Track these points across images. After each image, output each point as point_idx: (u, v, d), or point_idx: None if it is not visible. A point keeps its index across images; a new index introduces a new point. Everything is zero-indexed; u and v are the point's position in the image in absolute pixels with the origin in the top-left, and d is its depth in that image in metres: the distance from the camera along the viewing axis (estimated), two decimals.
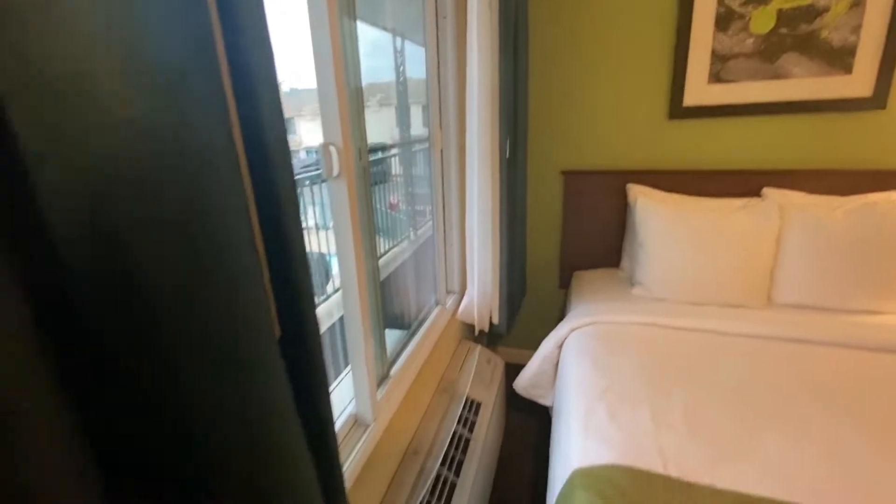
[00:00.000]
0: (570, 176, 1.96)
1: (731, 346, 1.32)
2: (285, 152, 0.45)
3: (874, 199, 1.52)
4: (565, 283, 2.07)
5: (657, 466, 0.86)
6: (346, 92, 0.86)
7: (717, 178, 1.76)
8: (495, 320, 1.65)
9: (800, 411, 1.02)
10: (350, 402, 1.00)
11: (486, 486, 1.34)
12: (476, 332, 1.70)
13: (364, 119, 1.02)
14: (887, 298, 1.45)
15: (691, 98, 1.73)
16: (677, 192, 1.76)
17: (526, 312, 2.17)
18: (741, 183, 1.72)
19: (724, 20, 1.63)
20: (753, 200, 1.63)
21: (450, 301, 1.66)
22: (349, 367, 1.00)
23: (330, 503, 0.55)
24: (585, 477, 0.85)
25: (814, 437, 0.94)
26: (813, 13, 1.56)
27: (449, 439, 1.21)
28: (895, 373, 1.16)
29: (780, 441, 0.93)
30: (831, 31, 1.56)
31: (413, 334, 1.43)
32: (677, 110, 1.75)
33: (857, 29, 1.54)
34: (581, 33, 1.83)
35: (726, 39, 1.63)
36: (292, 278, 0.48)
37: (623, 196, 1.84)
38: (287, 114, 0.47)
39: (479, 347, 1.67)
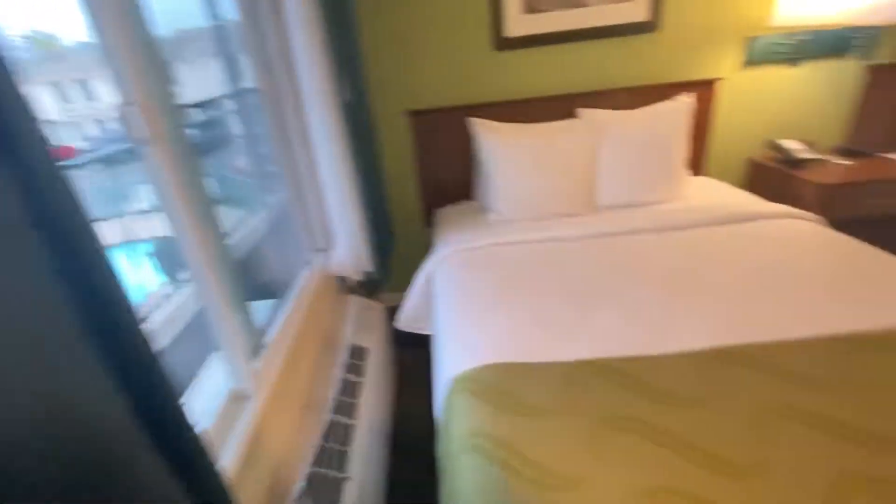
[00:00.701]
0: (415, 116, 1.99)
1: (569, 248, 1.55)
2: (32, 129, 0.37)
3: (659, 108, 1.86)
4: (429, 221, 2.17)
5: (514, 357, 1.01)
6: (136, 41, 0.74)
7: (542, 105, 1.95)
8: (368, 268, 1.68)
9: (621, 288, 1.28)
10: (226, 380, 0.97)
11: (384, 419, 1.44)
12: (352, 284, 1.72)
13: (170, 73, 0.90)
14: (672, 189, 1.83)
15: (512, 29, 1.85)
16: (511, 120, 1.92)
17: (399, 256, 2.24)
18: (562, 106, 1.95)
19: None
20: (571, 121, 1.86)
21: (320, 259, 1.64)
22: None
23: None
24: (460, 382, 0.97)
25: (630, 305, 1.19)
26: None
27: (340, 388, 1.25)
28: (683, 244, 1.51)
29: (607, 315, 1.16)
30: None
31: (285, 299, 1.40)
32: (501, 41, 1.87)
33: None
34: None
35: None
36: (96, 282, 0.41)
37: (467, 130, 1.95)
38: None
39: (356, 298, 1.71)
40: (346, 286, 1.80)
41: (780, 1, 1.79)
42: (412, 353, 1.93)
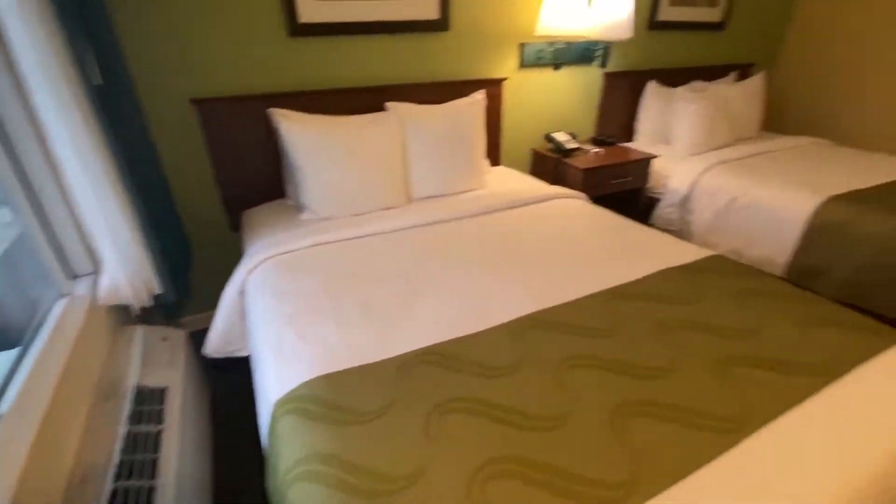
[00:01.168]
0: (203, 105, 1.71)
1: (390, 241, 1.55)
2: None
3: (459, 104, 2.00)
4: (236, 225, 1.92)
5: (347, 363, 0.96)
6: None
7: (350, 96, 1.90)
8: (157, 289, 1.39)
9: (442, 274, 1.33)
10: None
11: (201, 469, 1.22)
12: (138, 312, 1.40)
13: None
14: (476, 178, 2.00)
15: (306, 15, 1.74)
16: (319, 112, 1.82)
17: (202, 269, 1.92)
18: (370, 99, 1.92)
19: None
20: (381, 114, 1.86)
21: (81, 287, 1.28)
22: None
23: None
24: (283, 405, 0.87)
25: (452, 289, 1.25)
26: None
27: (126, 444, 1.00)
28: (490, 227, 1.66)
29: (432, 302, 1.20)
30: None
31: (28, 347, 1.05)
32: (296, 27, 1.74)
33: None
34: None
35: None
36: None
37: (269, 122, 1.77)
38: None
39: (144, 328, 1.39)
40: (130, 315, 1.45)
41: (542, 15, 2.10)
42: (233, 382, 1.69)
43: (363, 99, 1.92)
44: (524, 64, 2.29)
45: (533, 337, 1.05)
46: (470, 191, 1.99)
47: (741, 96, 2.76)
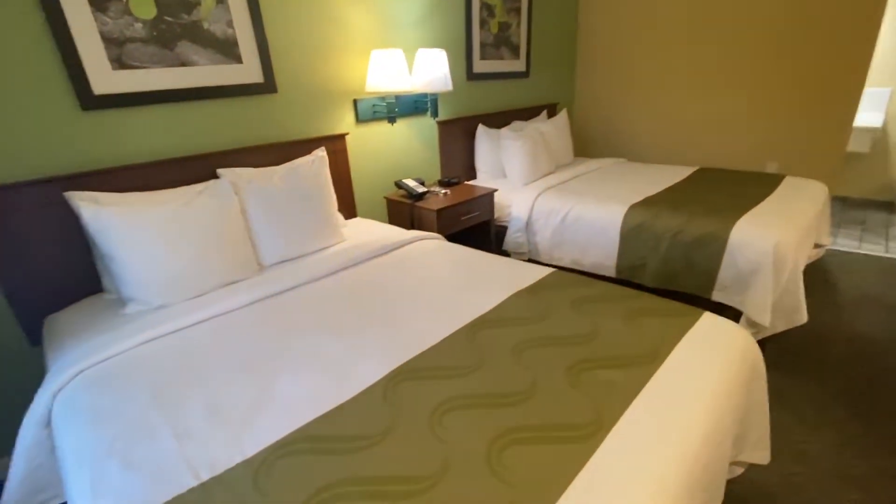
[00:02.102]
0: None
1: (238, 320, 1.40)
2: None
3: (300, 162, 1.95)
4: (36, 337, 1.55)
5: (189, 481, 0.81)
6: None
7: (172, 167, 1.72)
8: None
9: (301, 344, 1.24)
10: None
11: None
12: None
13: None
14: (331, 234, 1.95)
15: (101, 86, 1.54)
16: (136, 188, 1.60)
17: None
18: (199, 168, 1.77)
19: (102, 1, 1.48)
20: (212, 182, 1.71)
21: None
22: None
23: None
24: None
25: (314, 359, 1.16)
26: (189, 5, 1.68)
27: None
28: (352, 282, 1.61)
29: (293, 380, 1.10)
30: (211, 23, 1.75)
31: None
32: (90, 100, 1.53)
33: (231, 23, 1.80)
34: None
35: (111, 22, 1.52)
36: None
37: (66, 207, 1.49)
38: None
39: None
40: None
41: (369, 74, 2.21)
42: None
43: (191, 169, 1.75)
44: (361, 119, 2.36)
45: (403, 391, 1.02)
46: (327, 247, 1.94)
47: (553, 130, 3.23)
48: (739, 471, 1.34)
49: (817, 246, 2.58)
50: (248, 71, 1.88)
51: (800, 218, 2.11)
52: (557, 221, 2.55)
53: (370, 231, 2.15)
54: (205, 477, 0.82)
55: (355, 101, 2.32)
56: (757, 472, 1.49)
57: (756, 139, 3.36)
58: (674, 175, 2.90)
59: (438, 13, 2.64)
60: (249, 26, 1.85)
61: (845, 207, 4.04)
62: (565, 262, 2.58)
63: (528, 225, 2.67)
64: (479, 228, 2.71)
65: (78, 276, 1.59)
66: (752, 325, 1.97)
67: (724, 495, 1.30)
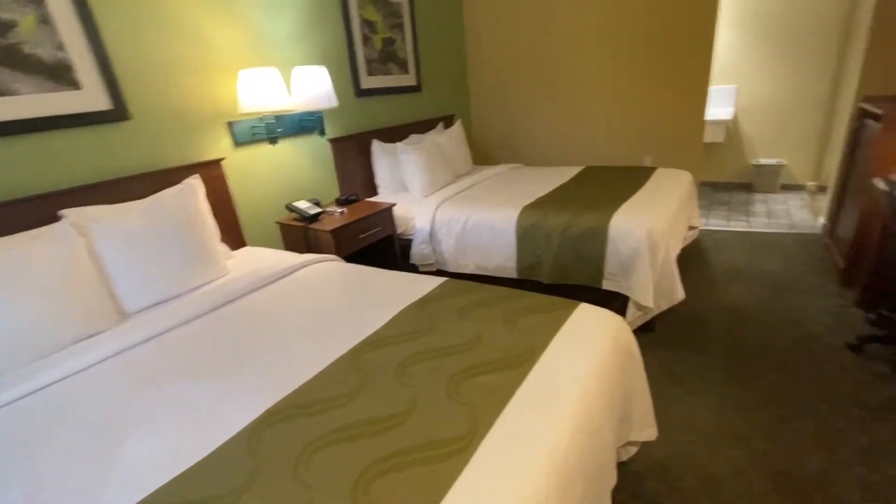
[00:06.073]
0: None
1: (90, 378, 1.22)
2: None
3: (163, 195, 1.76)
4: None
5: None
6: None
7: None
8: None
9: (164, 395, 1.09)
10: None
11: None
12: None
13: None
14: (211, 268, 1.79)
15: None
16: None
17: None
18: (33, 211, 1.53)
19: None
20: (51, 227, 1.49)
21: None
22: None
23: None
24: None
25: (174, 413, 1.03)
26: (3, 27, 1.47)
27: None
28: (231, 318, 1.48)
29: (142, 440, 0.96)
30: (34, 46, 1.53)
31: None
32: None
33: (62, 45, 1.60)
34: None
35: None
36: None
37: None
38: None
39: None
40: None
41: (240, 95, 2.08)
42: None
43: (24, 213, 1.51)
44: (239, 142, 2.22)
45: (272, 436, 0.93)
46: (207, 283, 1.77)
47: (450, 141, 3.29)
48: (634, 450, 1.40)
49: (692, 228, 2.85)
50: (89, 97, 1.68)
51: (668, 204, 2.32)
52: (459, 229, 2.57)
53: (261, 259, 2.00)
54: None
55: (230, 124, 2.17)
56: (653, 447, 1.57)
57: (633, 136, 3.68)
58: (563, 175, 3.07)
59: (315, 30, 2.58)
60: (86, 47, 1.65)
61: (714, 191, 4.56)
62: (471, 269, 2.61)
63: (432, 236, 2.66)
64: (384, 244, 2.66)
65: None
66: (640, 308, 2.11)
67: (623, 474, 1.35)
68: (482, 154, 4.34)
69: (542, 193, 2.64)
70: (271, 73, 2.10)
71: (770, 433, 1.62)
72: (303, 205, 2.36)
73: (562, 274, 2.29)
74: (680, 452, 1.58)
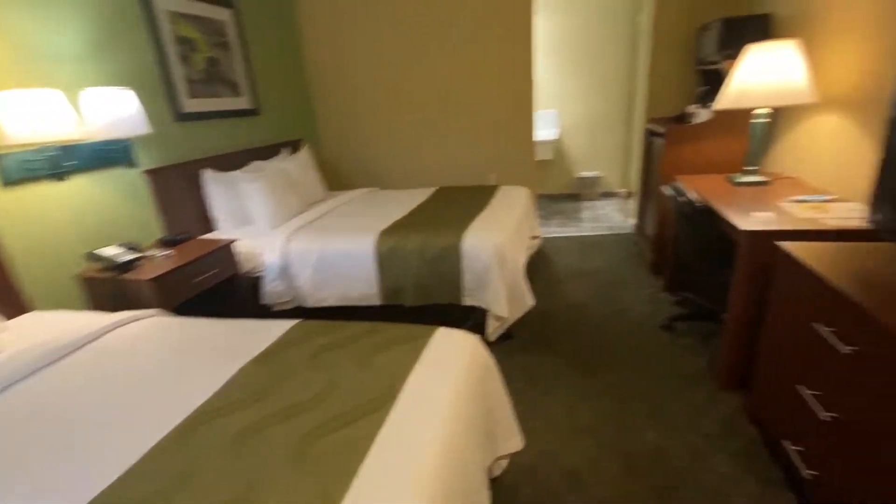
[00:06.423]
0: None
1: None
2: None
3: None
4: None
5: None
6: None
7: None
8: None
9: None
10: None
11: None
12: None
13: None
14: None
15: None
16: None
17: None
18: None
19: None
20: None
21: None
22: None
23: None
24: None
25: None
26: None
27: None
28: (5, 410, 1.10)
29: None
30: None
31: None
32: None
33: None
34: None
35: None
36: None
37: None
38: None
39: None
40: None
41: (1, 122, 1.63)
42: None
43: None
44: (9, 180, 1.73)
45: None
46: None
47: (298, 168, 3.09)
48: (505, 463, 1.43)
49: (534, 237, 3.14)
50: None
51: (510, 219, 2.50)
52: (315, 261, 2.40)
53: (51, 327, 1.57)
54: None
55: None
56: (521, 453, 1.63)
57: (479, 156, 3.94)
58: (418, 197, 3.12)
59: (113, 48, 2.18)
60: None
61: (550, 202, 5.15)
62: (333, 301, 2.46)
63: (286, 270, 2.44)
64: (227, 287, 2.34)
65: None
66: (498, 319, 2.21)
67: (498, 491, 1.35)
68: (337, 179, 4.20)
69: (398, 217, 2.64)
70: (50, 95, 1.70)
71: (613, 418, 1.82)
72: (110, 251, 1.94)
73: (425, 295, 2.29)
74: (543, 453, 1.67)
